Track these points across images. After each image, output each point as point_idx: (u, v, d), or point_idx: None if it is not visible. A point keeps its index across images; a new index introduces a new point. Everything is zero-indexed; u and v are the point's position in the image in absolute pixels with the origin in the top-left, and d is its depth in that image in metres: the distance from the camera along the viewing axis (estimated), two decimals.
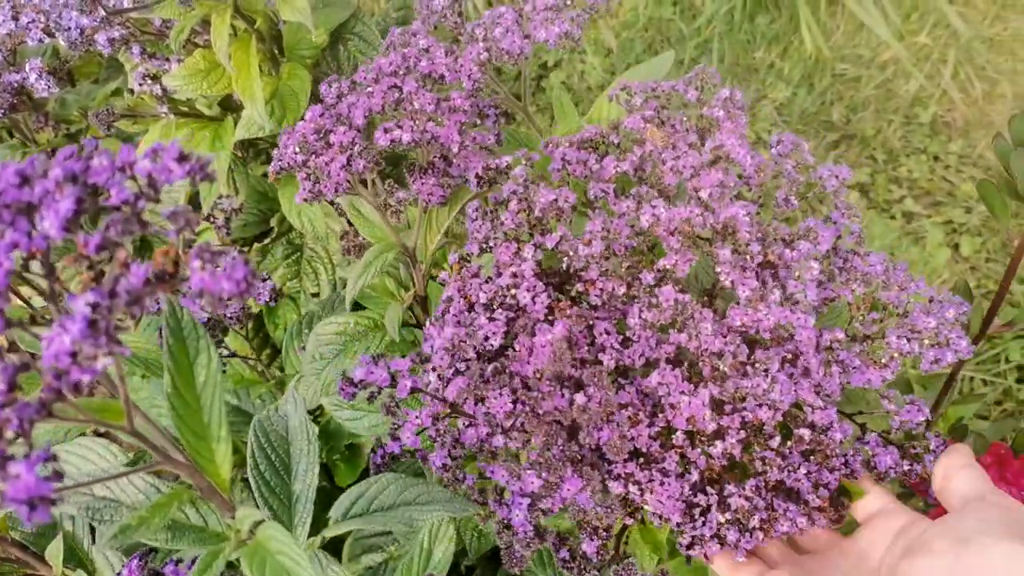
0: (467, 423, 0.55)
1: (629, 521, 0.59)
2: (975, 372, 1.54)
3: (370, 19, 0.97)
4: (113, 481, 0.48)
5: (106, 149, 0.39)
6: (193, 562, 0.61)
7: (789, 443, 0.55)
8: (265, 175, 1.16)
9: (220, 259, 0.32)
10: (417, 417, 0.56)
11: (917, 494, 0.76)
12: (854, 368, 0.58)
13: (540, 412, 0.52)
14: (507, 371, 0.54)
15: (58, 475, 0.29)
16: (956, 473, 0.54)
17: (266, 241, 1.11)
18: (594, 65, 2.05)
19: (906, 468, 0.58)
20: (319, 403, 0.78)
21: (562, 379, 0.53)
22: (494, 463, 0.53)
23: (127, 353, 0.32)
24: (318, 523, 0.60)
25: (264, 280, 0.96)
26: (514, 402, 0.52)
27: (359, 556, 0.82)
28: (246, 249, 1.11)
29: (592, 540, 0.55)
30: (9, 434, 0.31)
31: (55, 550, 0.79)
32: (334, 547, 0.70)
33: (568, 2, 0.75)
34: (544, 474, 0.51)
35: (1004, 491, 0.68)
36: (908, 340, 0.58)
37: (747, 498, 0.53)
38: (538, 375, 0.53)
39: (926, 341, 0.59)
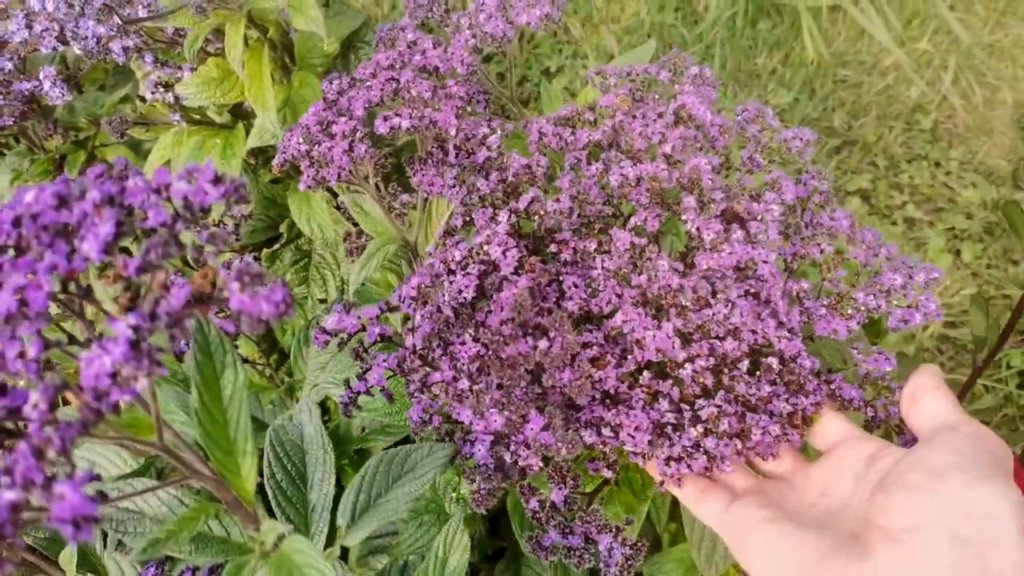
0: (432, 370, 0.57)
1: (608, 474, 0.60)
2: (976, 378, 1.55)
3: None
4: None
5: (139, 169, 0.40)
6: (211, 571, 0.62)
7: (758, 373, 0.56)
8: (273, 181, 1.16)
9: (259, 281, 0.33)
10: (385, 360, 0.58)
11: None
12: (820, 316, 0.59)
13: (503, 356, 0.53)
14: (472, 319, 0.56)
15: (102, 495, 0.30)
16: (925, 395, 0.50)
17: (275, 247, 1.12)
18: None
19: (870, 415, 0.58)
20: (325, 394, 0.79)
21: (526, 327, 0.55)
22: (460, 406, 0.54)
23: (165, 374, 0.33)
24: (332, 530, 0.61)
25: None
26: (478, 347, 0.54)
27: (366, 557, 0.83)
28: (255, 255, 1.12)
29: (560, 489, 0.57)
30: (51, 454, 0.32)
31: (69, 555, 0.80)
32: (341, 551, 0.71)
33: None
34: (507, 412, 0.52)
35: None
36: (875, 297, 0.60)
37: (717, 406, 0.54)
38: (502, 323, 0.54)
39: (894, 301, 0.60)
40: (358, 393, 0.61)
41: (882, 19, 2.04)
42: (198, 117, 0.97)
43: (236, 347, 0.98)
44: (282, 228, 1.12)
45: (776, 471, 0.56)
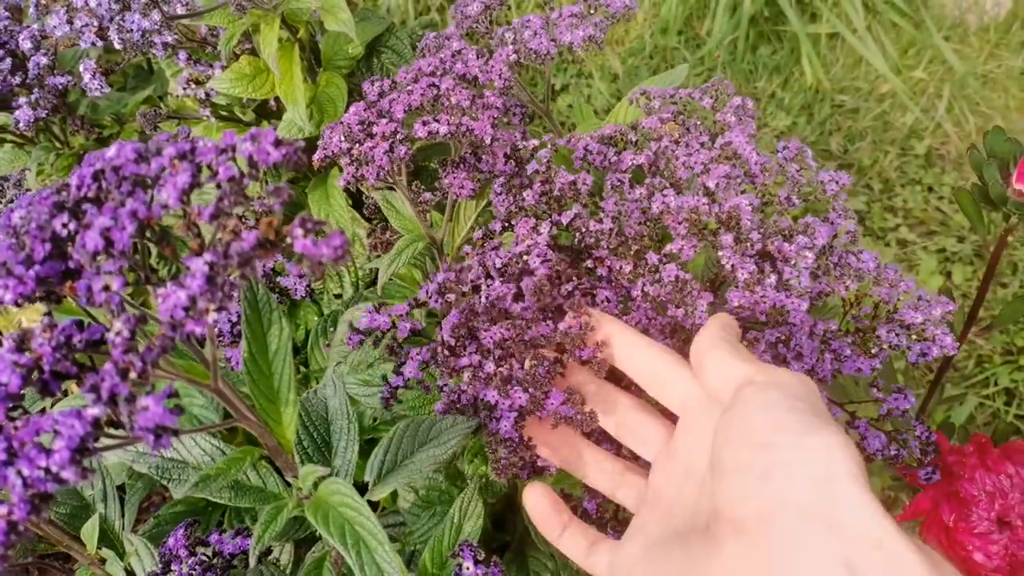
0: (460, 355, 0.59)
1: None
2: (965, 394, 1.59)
3: (402, 33, 1.03)
4: (180, 442, 0.52)
5: (200, 136, 0.44)
6: (237, 533, 0.65)
7: None
8: (291, 181, 1.21)
9: (319, 228, 0.37)
10: (418, 354, 0.61)
11: (907, 482, 0.81)
12: (846, 356, 0.63)
13: (527, 339, 0.56)
14: (497, 308, 0.59)
15: (180, 409, 0.34)
16: (705, 357, 0.45)
17: None
18: (600, 90, 2.11)
19: (893, 452, 0.62)
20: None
21: (547, 311, 0.58)
22: (486, 388, 0.57)
23: (236, 310, 0.37)
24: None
25: (301, 276, 1.00)
26: (502, 331, 0.57)
27: None
28: None
29: (592, 499, 0.60)
30: (133, 375, 0.35)
31: (91, 528, 0.83)
32: None
33: (591, 10, 0.81)
34: (531, 389, 0.55)
35: (984, 478, 0.72)
36: (896, 334, 0.63)
37: None
38: (524, 309, 0.57)
39: (913, 336, 0.63)
40: (396, 387, 0.63)
41: (879, 48, 2.10)
42: (225, 114, 1.01)
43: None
44: None
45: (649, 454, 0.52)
